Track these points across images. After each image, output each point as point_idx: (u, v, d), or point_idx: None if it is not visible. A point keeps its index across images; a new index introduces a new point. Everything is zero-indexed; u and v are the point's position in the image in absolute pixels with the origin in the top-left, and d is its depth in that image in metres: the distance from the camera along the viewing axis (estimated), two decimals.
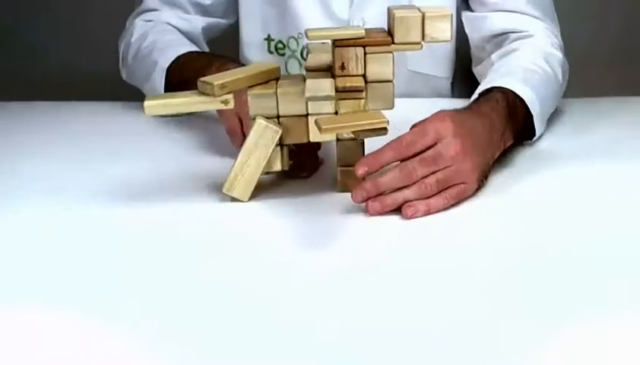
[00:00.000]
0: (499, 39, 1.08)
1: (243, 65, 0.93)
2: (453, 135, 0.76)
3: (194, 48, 1.09)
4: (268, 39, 1.18)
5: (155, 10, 1.18)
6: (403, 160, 0.76)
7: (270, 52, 1.19)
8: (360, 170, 0.75)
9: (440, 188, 0.76)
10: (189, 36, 1.16)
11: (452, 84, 1.19)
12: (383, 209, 0.76)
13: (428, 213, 0.76)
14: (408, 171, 0.75)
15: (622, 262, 0.66)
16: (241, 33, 1.20)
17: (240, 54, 1.22)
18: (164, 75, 1.04)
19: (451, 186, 0.77)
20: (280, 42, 1.17)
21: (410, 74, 1.14)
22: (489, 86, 0.90)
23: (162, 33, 1.12)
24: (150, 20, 1.16)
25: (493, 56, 1.05)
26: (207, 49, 1.19)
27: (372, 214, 0.76)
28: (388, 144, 0.76)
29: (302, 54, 1.16)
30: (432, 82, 1.16)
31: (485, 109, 0.84)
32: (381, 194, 0.76)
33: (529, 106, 0.90)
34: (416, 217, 0.75)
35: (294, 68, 1.17)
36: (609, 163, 0.87)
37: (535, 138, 0.94)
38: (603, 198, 0.79)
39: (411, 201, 0.75)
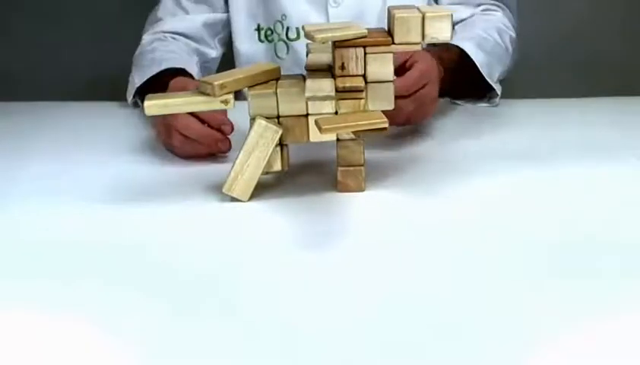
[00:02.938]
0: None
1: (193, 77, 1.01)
2: (434, 80, 0.92)
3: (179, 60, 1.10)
4: (258, 28, 1.22)
5: (160, 20, 1.22)
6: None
7: (260, 40, 1.23)
8: None
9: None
10: (191, 35, 1.21)
11: None
12: None
13: None
14: (399, 108, 0.83)
15: (622, 263, 0.66)
16: (232, 25, 1.23)
17: (233, 46, 1.25)
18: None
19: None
20: (269, 28, 1.22)
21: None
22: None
23: (151, 50, 1.15)
24: (155, 32, 1.20)
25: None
26: (212, 44, 1.25)
27: None
28: (399, 79, 0.86)
29: (287, 35, 1.20)
30: None
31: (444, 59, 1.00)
32: None
33: (480, 68, 1.06)
34: None
35: (283, 51, 1.21)
36: (608, 164, 0.87)
37: (496, 100, 1.11)
38: (602, 198, 0.79)
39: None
